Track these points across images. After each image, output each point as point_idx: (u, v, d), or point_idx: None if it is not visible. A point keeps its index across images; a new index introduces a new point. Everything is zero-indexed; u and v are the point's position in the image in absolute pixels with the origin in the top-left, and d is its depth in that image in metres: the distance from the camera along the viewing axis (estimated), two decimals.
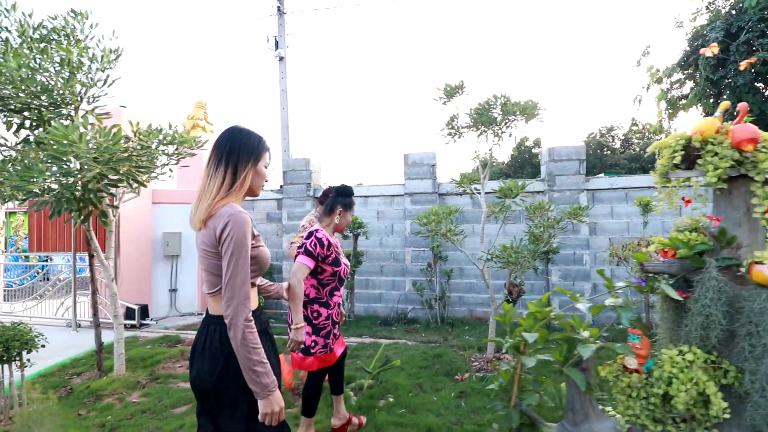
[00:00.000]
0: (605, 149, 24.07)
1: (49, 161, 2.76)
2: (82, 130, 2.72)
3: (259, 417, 1.27)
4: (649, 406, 1.60)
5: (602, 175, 6.38)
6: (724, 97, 8.89)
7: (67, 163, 2.79)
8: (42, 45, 3.22)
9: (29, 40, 3.18)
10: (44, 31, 3.37)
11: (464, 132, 4.11)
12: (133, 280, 5.81)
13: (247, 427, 1.31)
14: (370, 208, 6.21)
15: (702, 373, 1.49)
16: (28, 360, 2.97)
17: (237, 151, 1.36)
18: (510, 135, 4.03)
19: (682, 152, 1.58)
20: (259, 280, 1.63)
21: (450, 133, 4.17)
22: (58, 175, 2.79)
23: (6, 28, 2.97)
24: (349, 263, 2.52)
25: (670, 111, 10.51)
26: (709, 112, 10.07)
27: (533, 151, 29.59)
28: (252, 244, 1.33)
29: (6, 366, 2.86)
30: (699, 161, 1.55)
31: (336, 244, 2.42)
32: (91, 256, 3.76)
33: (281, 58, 7.08)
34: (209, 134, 6.94)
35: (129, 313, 5.52)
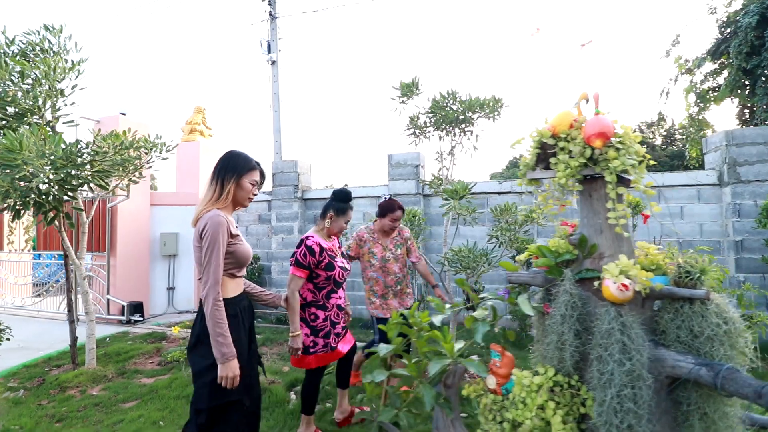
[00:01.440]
0: (644, 146, 22.69)
1: (2, 167, 2.93)
2: (26, 138, 2.86)
3: (218, 379, 1.58)
4: (503, 431, 1.45)
5: None
6: (761, 87, 8.05)
7: (18, 170, 2.95)
8: (17, 59, 3.46)
9: (1, 54, 3.41)
10: (21, 46, 3.62)
11: (428, 132, 3.98)
12: (130, 279, 6.11)
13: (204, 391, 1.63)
14: (356, 209, 6.17)
15: (551, 398, 1.34)
16: None
17: (225, 169, 1.74)
18: (473, 134, 3.86)
19: (539, 150, 1.43)
20: (257, 289, 2.04)
21: (414, 133, 4.06)
22: (10, 179, 2.95)
23: None
24: (348, 265, 2.55)
25: (700, 104, 9.64)
26: (744, 104, 9.15)
27: None
28: (230, 242, 1.68)
29: None
30: (552, 160, 1.39)
31: (331, 248, 2.45)
32: (65, 256, 3.98)
33: (273, 62, 7.19)
34: (208, 138, 7.18)
35: (125, 310, 5.82)
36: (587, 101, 1.38)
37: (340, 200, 2.49)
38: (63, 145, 3.19)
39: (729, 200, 4.68)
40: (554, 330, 1.38)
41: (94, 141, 3.42)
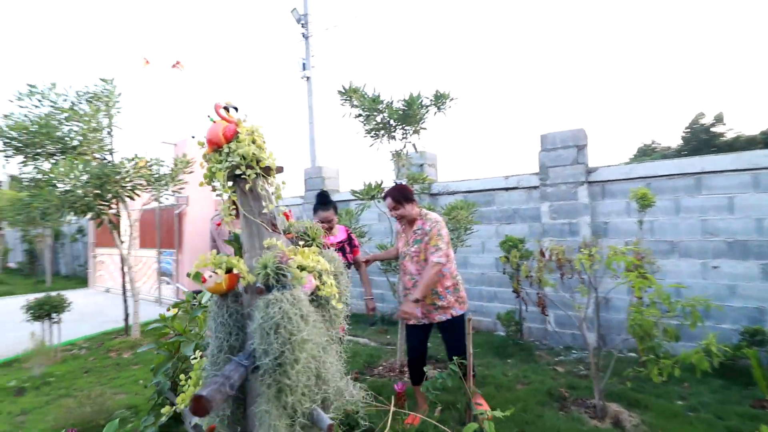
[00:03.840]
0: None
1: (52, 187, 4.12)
2: (63, 166, 3.97)
3: None
4: None
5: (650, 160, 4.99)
6: None
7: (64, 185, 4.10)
8: (79, 104, 4.75)
9: (56, 104, 4.69)
10: (85, 97, 4.94)
11: (383, 132, 4.04)
12: None
13: None
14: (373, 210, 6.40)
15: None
16: (59, 319, 4.45)
17: None
18: (416, 132, 3.78)
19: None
20: None
21: (374, 136, 4.15)
22: (57, 195, 4.12)
23: (41, 100, 4.49)
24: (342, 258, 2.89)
25: None
26: None
27: (712, 129, 23.62)
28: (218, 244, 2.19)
29: (44, 322, 4.38)
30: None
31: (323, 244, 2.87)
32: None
33: (307, 78, 7.87)
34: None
35: None
36: (231, 109, 1.48)
37: (317, 201, 2.85)
38: (96, 169, 4.30)
39: None
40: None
41: (123, 164, 4.48)
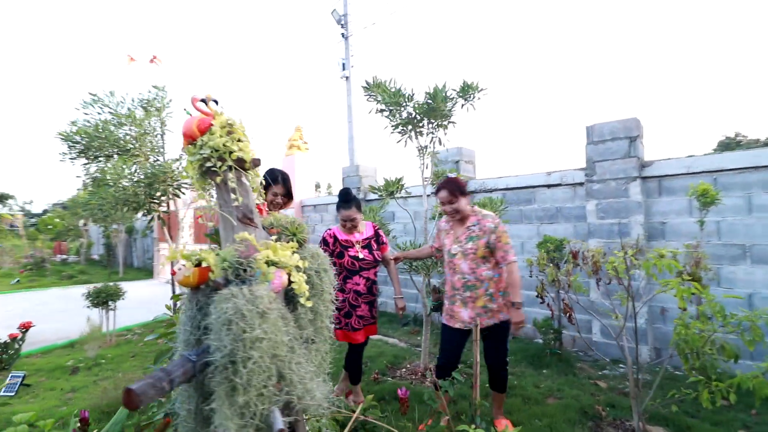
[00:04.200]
0: None
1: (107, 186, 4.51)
2: (123, 165, 4.33)
3: None
4: None
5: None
6: None
7: (112, 187, 4.48)
8: (134, 109, 5.17)
9: (115, 110, 5.10)
10: (140, 103, 5.36)
11: (410, 128, 3.93)
12: None
13: None
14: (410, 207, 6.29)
15: None
16: (114, 306, 4.87)
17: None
18: (443, 127, 3.62)
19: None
20: None
21: (401, 132, 4.05)
22: (112, 193, 4.50)
23: (102, 108, 4.92)
24: (363, 255, 2.74)
25: None
26: None
27: None
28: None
29: (101, 309, 4.80)
30: None
31: (348, 239, 2.77)
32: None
33: (347, 78, 7.89)
34: (304, 152, 8.48)
35: None
36: (210, 103, 1.47)
37: (339, 199, 2.79)
38: (147, 169, 4.64)
39: None
40: None
41: (169, 164, 4.80)
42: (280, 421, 1.12)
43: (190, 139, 1.39)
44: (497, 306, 2.42)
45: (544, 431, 2.47)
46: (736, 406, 2.79)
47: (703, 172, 3.77)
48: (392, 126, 3.72)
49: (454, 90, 3.49)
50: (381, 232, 2.98)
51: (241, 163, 1.40)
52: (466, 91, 3.48)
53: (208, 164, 1.34)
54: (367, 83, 3.71)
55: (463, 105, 3.54)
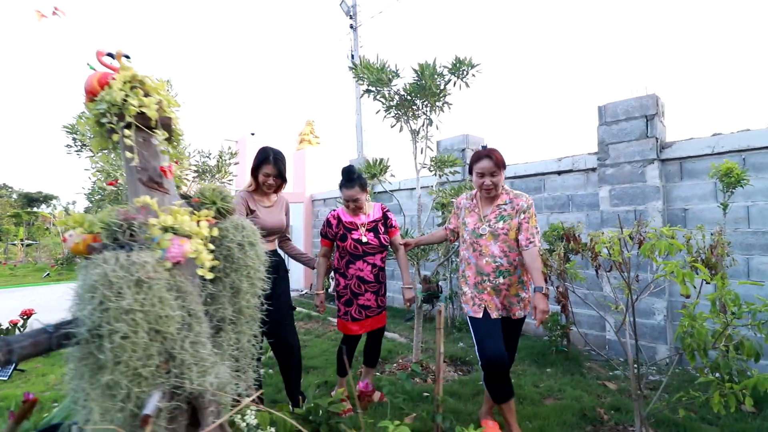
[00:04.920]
0: None
1: None
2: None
3: None
4: None
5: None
6: None
7: None
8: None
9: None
10: None
11: (403, 111, 3.73)
12: None
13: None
14: (414, 199, 6.07)
15: None
16: None
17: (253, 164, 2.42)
18: (436, 109, 3.40)
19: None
20: (296, 250, 2.73)
21: (395, 117, 3.86)
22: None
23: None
24: (368, 239, 2.51)
25: None
26: None
27: None
28: (251, 216, 2.23)
29: None
30: None
31: (353, 221, 2.54)
32: None
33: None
34: (315, 146, 8.40)
35: None
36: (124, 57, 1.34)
37: (342, 178, 2.55)
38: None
39: None
40: None
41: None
42: (152, 405, 0.97)
43: (90, 95, 1.26)
44: (528, 296, 2.18)
45: None
46: (764, 413, 2.43)
47: (729, 151, 3.36)
48: (384, 109, 3.53)
49: (446, 67, 3.27)
50: (390, 214, 2.69)
51: (145, 121, 1.26)
52: (458, 67, 3.24)
53: (104, 119, 1.21)
54: (354, 64, 3.55)
55: (455, 83, 3.31)
